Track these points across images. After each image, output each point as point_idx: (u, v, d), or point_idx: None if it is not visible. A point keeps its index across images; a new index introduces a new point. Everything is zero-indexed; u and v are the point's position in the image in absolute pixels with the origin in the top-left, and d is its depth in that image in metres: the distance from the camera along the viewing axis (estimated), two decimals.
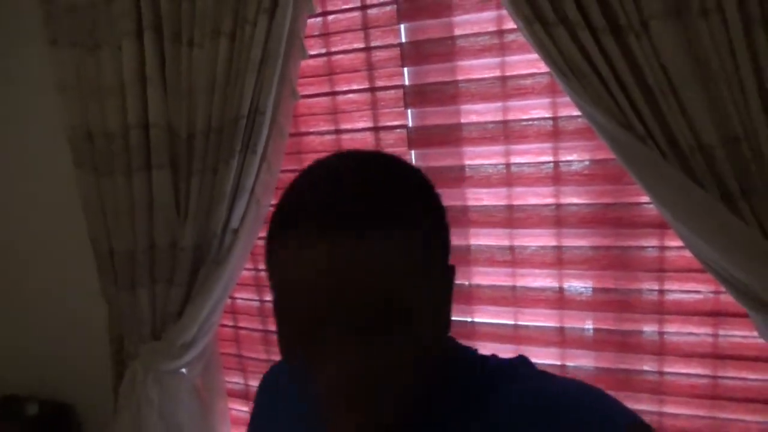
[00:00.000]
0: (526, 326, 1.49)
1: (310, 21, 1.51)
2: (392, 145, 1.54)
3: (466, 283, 1.52)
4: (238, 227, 1.57)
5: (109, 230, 1.69)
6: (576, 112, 1.28)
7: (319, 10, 1.52)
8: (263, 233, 1.53)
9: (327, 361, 0.45)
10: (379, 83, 1.52)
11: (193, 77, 1.50)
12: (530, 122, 1.38)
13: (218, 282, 1.59)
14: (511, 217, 1.45)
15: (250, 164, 1.49)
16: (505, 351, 1.48)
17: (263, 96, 1.44)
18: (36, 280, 2.11)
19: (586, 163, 1.37)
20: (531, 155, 1.40)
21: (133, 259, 1.67)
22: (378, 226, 0.44)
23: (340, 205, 0.45)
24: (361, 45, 1.52)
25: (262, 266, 1.77)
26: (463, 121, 1.45)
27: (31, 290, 2.13)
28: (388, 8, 1.47)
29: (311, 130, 1.63)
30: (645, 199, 1.29)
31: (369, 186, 0.46)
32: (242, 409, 1.93)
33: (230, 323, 1.88)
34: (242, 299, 1.85)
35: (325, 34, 1.56)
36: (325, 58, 1.57)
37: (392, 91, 1.51)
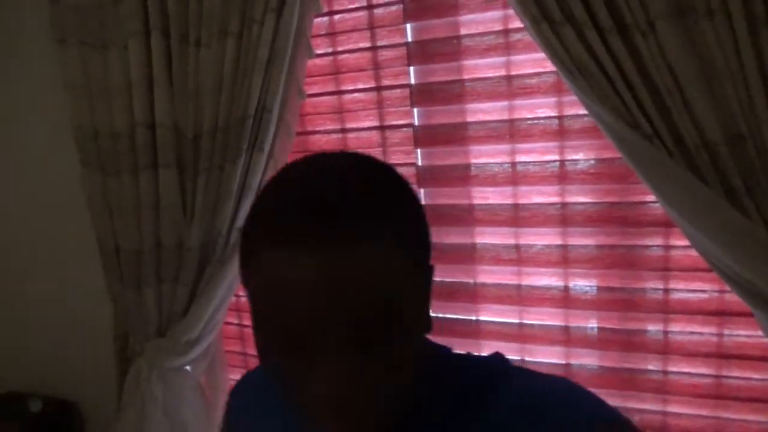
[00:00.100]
0: (531, 325, 1.49)
1: (317, 20, 1.52)
2: (398, 143, 1.55)
3: (472, 281, 1.52)
4: None
5: (116, 229, 1.70)
6: (581, 111, 1.29)
7: (325, 9, 1.53)
8: None
9: (324, 369, 0.44)
10: (385, 82, 1.53)
11: (200, 77, 1.51)
12: (536, 121, 1.39)
13: (223, 281, 1.60)
14: (517, 216, 1.46)
15: (257, 163, 1.50)
16: (510, 350, 1.51)
17: (270, 95, 1.44)
18: (39, 278, 2.11)
19: (592, 161, 1.37)
20: (537, 154, 1.41)
21: (139, 257, 1.67)
22: (367, 228, 0.43)
23: (327, 208, 0.43)
24: (368, 44, 1.53)
25: None
26: (469, 119, 1.46)
27: (35, 288, 2.13)
28: (394, 8, 1.49)
29: (317, 128, 1.64)
30: (650, 198, 1.30)
31: (355, 187, 0.45)
32: None
33: (235, 321, 1.89)
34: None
35: (332, 34, 1.57)
36: (331, 57, 1.58)
37: (398, 90, 1.52)
